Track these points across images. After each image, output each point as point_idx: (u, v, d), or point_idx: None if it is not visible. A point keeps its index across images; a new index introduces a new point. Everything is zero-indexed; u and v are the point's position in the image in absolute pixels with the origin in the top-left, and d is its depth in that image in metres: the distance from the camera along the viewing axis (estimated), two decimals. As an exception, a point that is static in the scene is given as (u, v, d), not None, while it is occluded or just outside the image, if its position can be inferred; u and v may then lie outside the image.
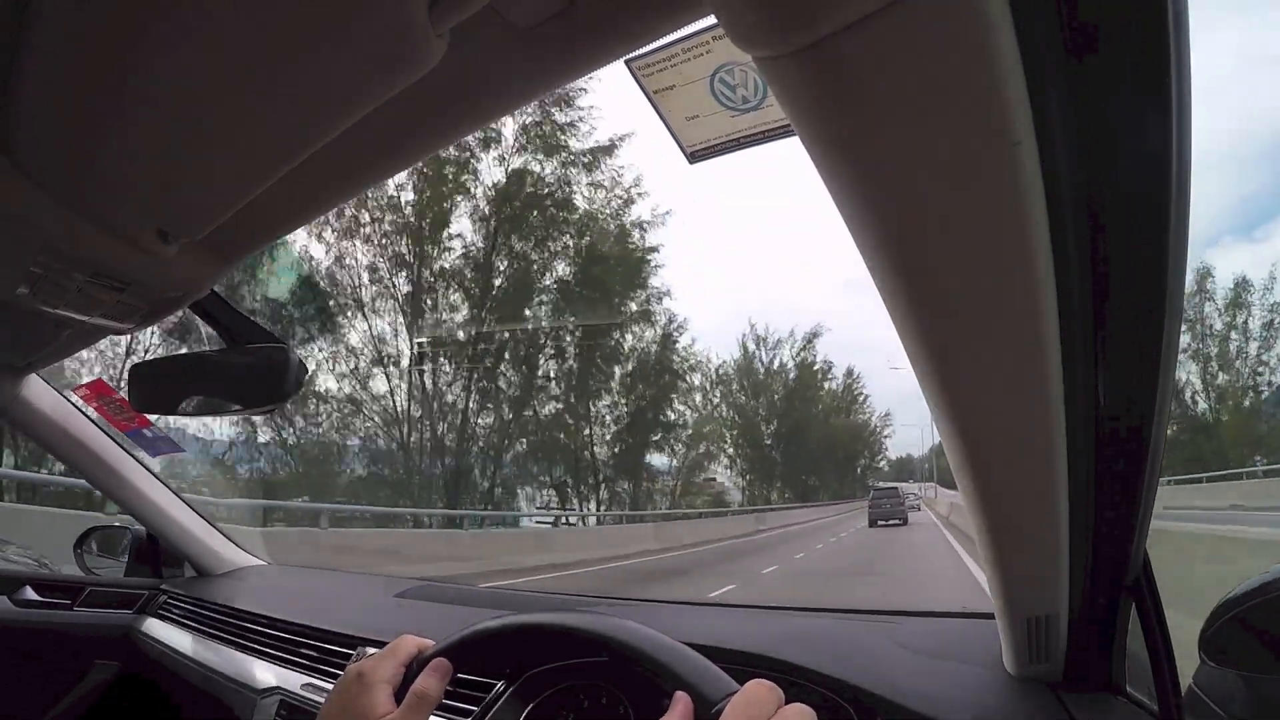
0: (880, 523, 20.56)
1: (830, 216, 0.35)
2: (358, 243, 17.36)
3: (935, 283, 0.36)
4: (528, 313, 19.34)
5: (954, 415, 0.44)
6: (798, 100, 0.30)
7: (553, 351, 20.37)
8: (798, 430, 35.96)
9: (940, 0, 0.26)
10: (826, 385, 39.64)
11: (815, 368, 38.07)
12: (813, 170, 0.33)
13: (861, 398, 42.33)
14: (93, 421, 1.40)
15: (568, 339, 20.47)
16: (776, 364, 36.59)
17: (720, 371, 34.15)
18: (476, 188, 18.34)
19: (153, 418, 1.35)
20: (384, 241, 17.72)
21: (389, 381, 17.94)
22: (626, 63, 0.46)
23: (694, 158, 0.52)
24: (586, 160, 19.39)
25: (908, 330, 0.39)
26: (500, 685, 0.69)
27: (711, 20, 0.41)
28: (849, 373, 41.62)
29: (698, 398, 28.99)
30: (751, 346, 36.03)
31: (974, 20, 0.26)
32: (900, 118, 0.29)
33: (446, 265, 18.49)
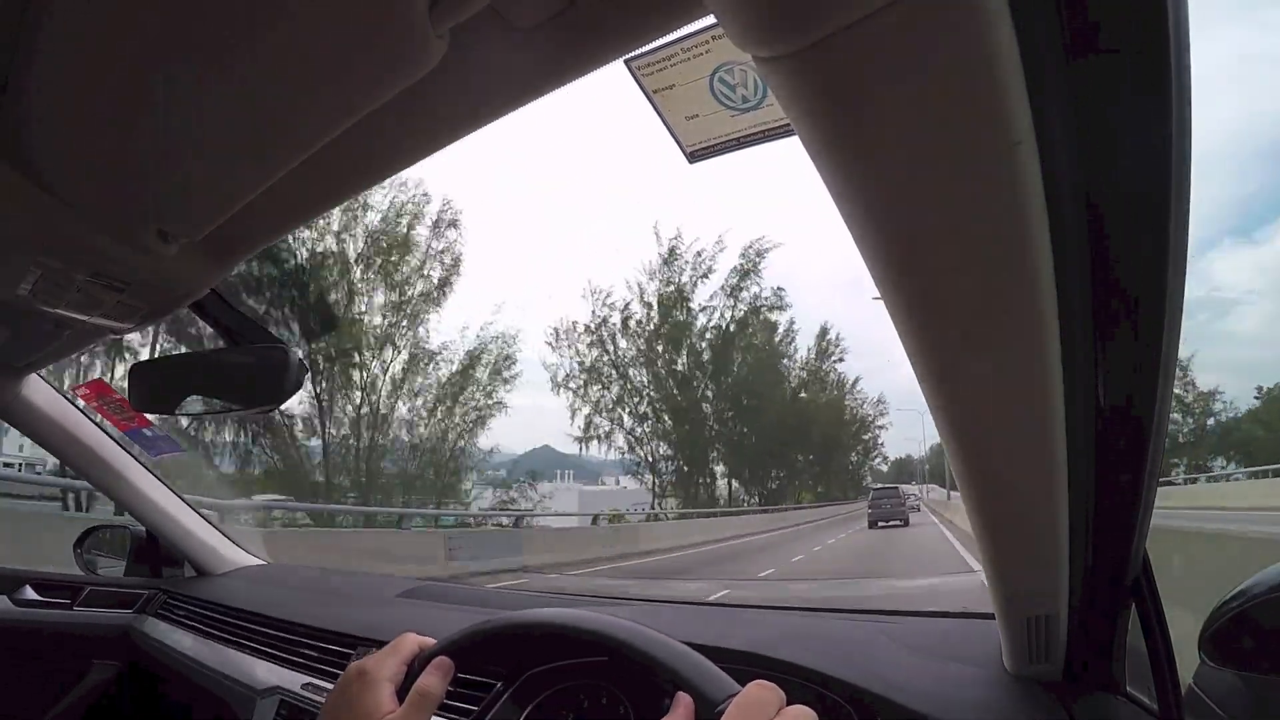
0: (881, 524, 19.28)
1: (830, 217, 0.35)
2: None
3: (935, 282, 0.36)
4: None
5: (954, 415, 0.44)
6: (797, 100, 0.30)
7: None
8: (743, 398, 25.34)
9: (939, 0, 0.26)
10: (792, 344, 27.84)
11: (762, 304, 25.64)
12: (813, 170, 0.33)
13: (850, 380, 32.58)
14: (93, 421, 1.40)
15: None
16: (707, 298, 24.81)
17: (624, 313, 23.66)
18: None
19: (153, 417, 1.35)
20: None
21: None
22: (626, 62, 0.46)
23: (694, 157, 0.52)
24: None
25: (908, 330, 0.39)
26: (500, 685, 0.69)
27: (711, 20, 0.41)
28: (823, 333, 29.37)
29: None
30: (669, 272, 23.99)
31: (973, 20, 0.26)
32: (899, 118, 0.29)
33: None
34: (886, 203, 0.33)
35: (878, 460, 40.50)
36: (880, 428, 36.63)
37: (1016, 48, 0.27)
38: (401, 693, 0.51)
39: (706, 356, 25.16)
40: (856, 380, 34.75)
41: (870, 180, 0.32)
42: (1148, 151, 0.32)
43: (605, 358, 23.83)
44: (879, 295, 0.38)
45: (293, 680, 1.09)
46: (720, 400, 25.66)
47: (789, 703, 0.44)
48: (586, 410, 23.44)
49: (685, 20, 0.42)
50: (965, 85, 0.28)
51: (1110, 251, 0.36)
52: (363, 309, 17.37)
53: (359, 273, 17.19)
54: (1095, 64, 0.29)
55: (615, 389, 23.85)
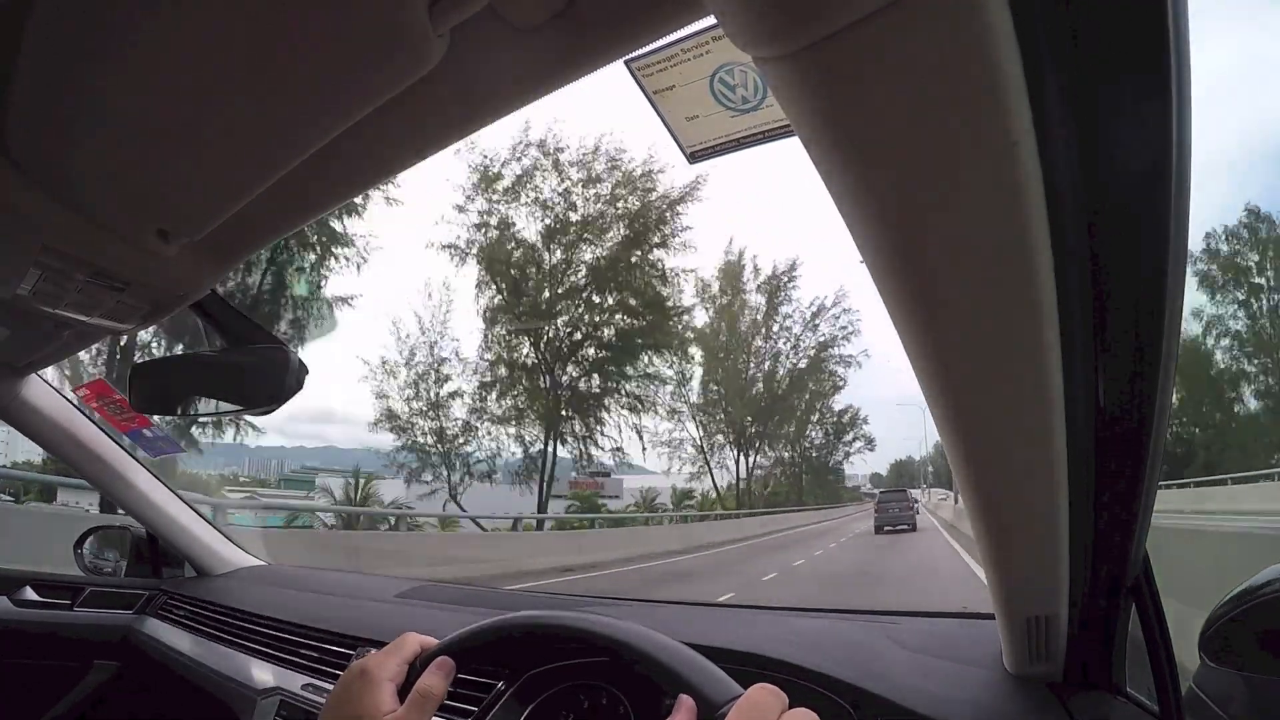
0: (887, 528, 17.51)
1: (830, 216, 0.35)
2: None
3: (935, 283, 0.36)
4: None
5: (955, 416, 0.44)
6: (797, 100, 0.30)
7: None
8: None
9: (939, 0, 0.26)
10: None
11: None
12: (813, 170, 0.33)
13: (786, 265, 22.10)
14: (93, 422, 1.40)
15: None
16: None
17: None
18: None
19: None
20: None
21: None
22: (626, 63, 0.46)
23: (694, 158, 0.52)
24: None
25: (908, 331, 0.39)
26: (501, 685, 0.69)
27: (711, 21, 0.41)
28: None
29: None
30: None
31: (973, 20, 0.26)
32: (899, 117, 0.29)
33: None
34: (886, 202, 0.33)
35: (856, 444, 27.92)
36: (844, 361, 23.89)
37: (1016, 48, 0.27)
38: (403, 692, 0.51)
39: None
40: (793, 266, 22.61)
41: (870, 180, 0.32)
42: (1148, 151, 0.32)
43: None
44: (882, 298, 0.38)
45: (293, 681, 1.09)
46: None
47: (790, 704, 0.44)
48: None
49: (685, 21, 0.42)
50: (965, 85, 0.28)
51: (1110, 251, 0.36)
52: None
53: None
54: (1095, 64, 0.29)
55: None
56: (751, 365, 23.89)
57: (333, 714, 0.52)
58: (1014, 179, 0.31)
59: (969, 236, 0.34)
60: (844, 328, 23.79)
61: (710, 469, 23.46)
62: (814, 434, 26.53)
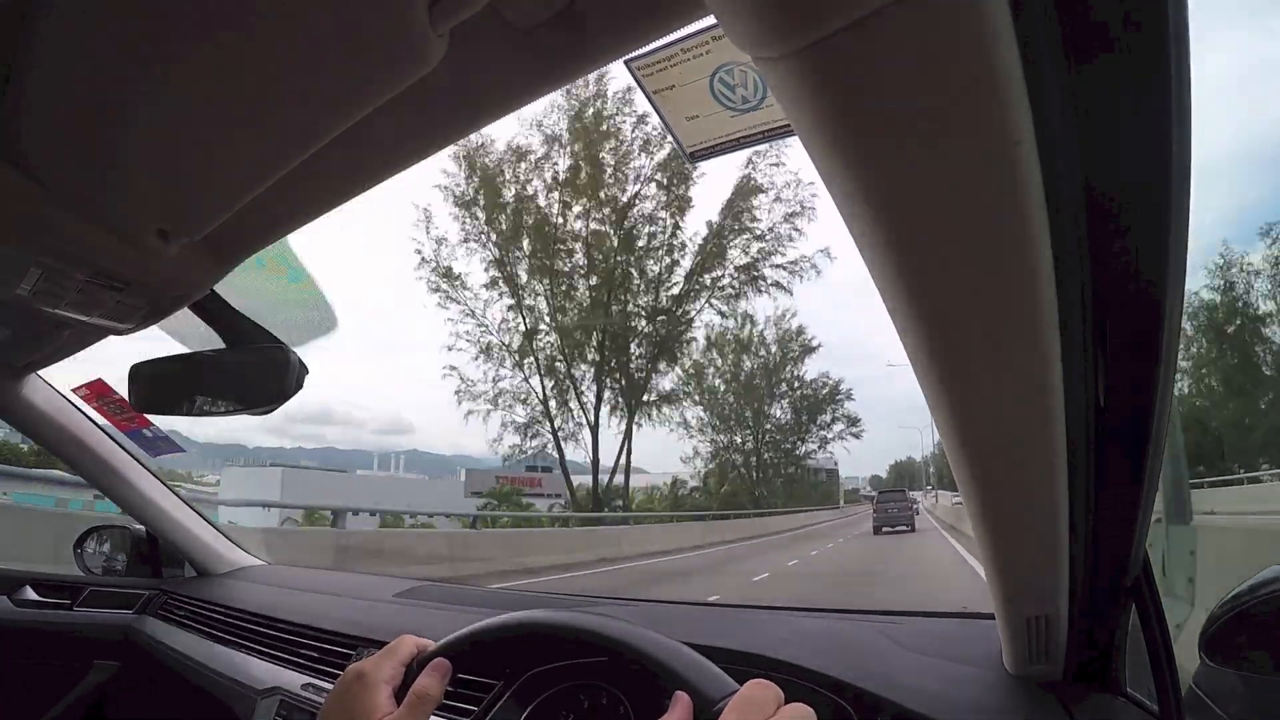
0: (886, 529, 16.83)
1: (831, 216, 0.35)
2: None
3: (935, 282, 0.36)
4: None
5: (955, 416, 0.44)
6: (797, 101, 0.30)
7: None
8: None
9: (939, 1, 0.26)
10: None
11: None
12: (813, 170, 0.33)
13: None
14: (93, 422, 1.40)
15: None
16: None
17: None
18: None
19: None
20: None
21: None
22: (626, 63, 0.46)
23: (694, 158, 0.52)
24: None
25: (907, 330, 0.39)
26: (500, 685, 0.69)
27: (711, 21, 0.42)
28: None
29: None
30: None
31: (974, 20, 0.26)
32: (899, 118, 0.29)
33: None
34: (886, 202, 0.33)
35: (838, 425, 20.88)
36: (790, 266, 16.30)
37: (1016, 47, 0.27)
38: (400, 694, 0.52)
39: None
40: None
41: (870, 180, 0.32)
42: (1148, 152, 0.32)
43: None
44: (883, 298, 0.38)
45: (293, 680, 1.09)
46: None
47: (787, 702, 0.44)
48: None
49: (685, 21, 0.42)
50: (965, 85, 0.28)
51: (1110, 252, 0.36)
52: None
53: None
54: (1095, 64, 0.29)
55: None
56: (631, 255, 14.57)
57: (330, 717, 0.52)
58: (1014, 179, 0.31)
59: (969, 236, 0.34)
60: (790, 202, 14.11)
61: (559, 442, 14.81)
62: (778, 412, 19.16)
